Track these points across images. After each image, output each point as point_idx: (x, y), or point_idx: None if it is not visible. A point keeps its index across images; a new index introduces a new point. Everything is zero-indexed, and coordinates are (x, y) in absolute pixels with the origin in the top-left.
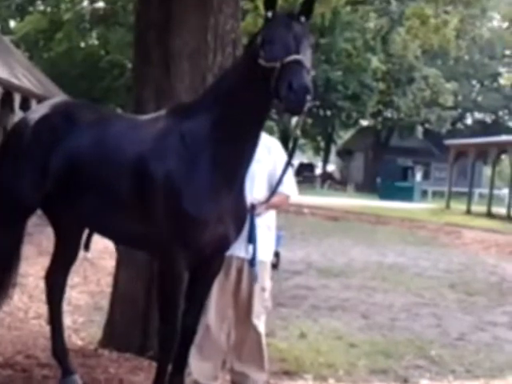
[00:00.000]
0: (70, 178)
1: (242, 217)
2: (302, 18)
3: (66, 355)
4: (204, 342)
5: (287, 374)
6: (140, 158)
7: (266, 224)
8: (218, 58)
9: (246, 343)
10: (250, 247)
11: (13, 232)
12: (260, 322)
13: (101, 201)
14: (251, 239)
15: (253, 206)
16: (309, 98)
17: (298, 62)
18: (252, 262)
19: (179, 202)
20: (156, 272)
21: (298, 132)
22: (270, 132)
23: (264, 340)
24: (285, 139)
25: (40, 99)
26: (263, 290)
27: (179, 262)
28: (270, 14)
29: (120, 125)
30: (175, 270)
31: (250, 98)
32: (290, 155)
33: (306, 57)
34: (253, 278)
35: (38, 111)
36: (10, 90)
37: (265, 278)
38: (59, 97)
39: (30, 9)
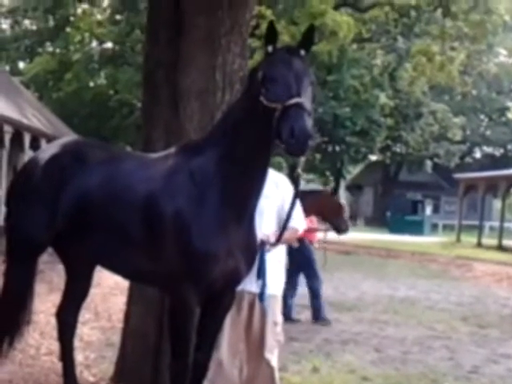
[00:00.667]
0: (80, 216)
1: (252, 251)
2: (302, 52)
3: None
4: (216, 378)
5: None
6: (149, 196)
7: (276, 258)
8: (226, 97)
9: (259, 378)
10: (259, 282)
11: (25, 270)
12: (273, 357)
13: (111, 238)
14: (260, 274)
15: (262, 242)
16: (310, 142)
17: (300, 106)
18: (261, 296)
19: (189, 238)
20: (167, 308)
21: (300, 171)
22: (279, 168)
23: (277, 374)
24: (293, 171)
25: (50, 138)
26: (275, 324)
27: (190, 297)
28: (270, 49)
29: (129, 163)
30: (186, 306)
31: (254, 134)
32: (296, 191)
33: (306, 98)
34: (263, 313)
35: (47, 151)
36: (20, 129)
37: (276, 312)
38: (69, 136)
39: (39, 50)
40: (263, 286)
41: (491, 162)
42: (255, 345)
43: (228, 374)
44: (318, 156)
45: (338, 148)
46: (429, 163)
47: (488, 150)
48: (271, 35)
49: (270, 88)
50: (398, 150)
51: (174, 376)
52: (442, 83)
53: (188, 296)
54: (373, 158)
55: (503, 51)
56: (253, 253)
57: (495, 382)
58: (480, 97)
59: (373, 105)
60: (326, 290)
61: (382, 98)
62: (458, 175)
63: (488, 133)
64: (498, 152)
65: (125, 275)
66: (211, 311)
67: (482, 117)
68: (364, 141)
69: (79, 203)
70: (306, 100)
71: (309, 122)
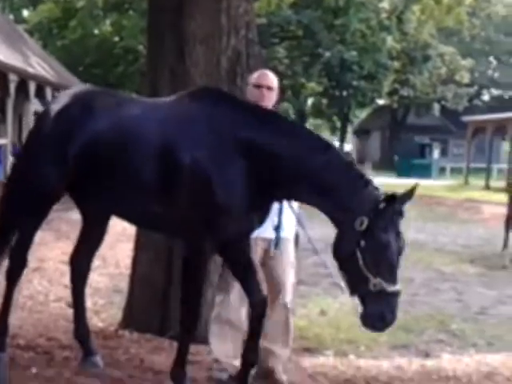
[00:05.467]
0: (92, 163)
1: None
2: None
3: (87, 337)
4: (222, 313)
5: (308, 350)
6: (166, 143)
7: (287, 203)
8: (231, 41)
9: (272, 319)
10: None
11: (37, 219)
12: (289, 299)
13: (123, 185)
14: (278, 223)
15: None
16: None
17: (398, 295)
18: (277, 245)
19: (210, 188)
20: (181, 254)
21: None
22: (286, 113)
23: (292, 317)
24: (300, 116)
25: (55, 87)
26: (292, 265)
27: (206, 245)
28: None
29: (142, 108)
30: (201, 253)
31: None
32: None
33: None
34: (277, 256)
35: (58, 101)
36: (25, 78)
37: (291, 255)
38: (80, 85)
39: None
40: (279, 234)
41: (499, 105)
42: (271, 287)
43: (236, 316)
44: (324, 101)
45: (345, 92)
46: (437, 106)
47: (496, 92)
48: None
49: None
50: (405, 93)
51: (185, 323)
52: (450, 26)
53: (204, 244)
54: (380, 102)
55: None
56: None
57: (503, 323)
58: (488, 39)
59: (380, 48)
60: (333, 234)
61: (389, 42)
62: (466, 118)
63: (496, 75)
64: (507, 94)
65: (136, 222)
66: (238, 258)
67: (491, 59)
68: (371, 85)
69: (92, 150)
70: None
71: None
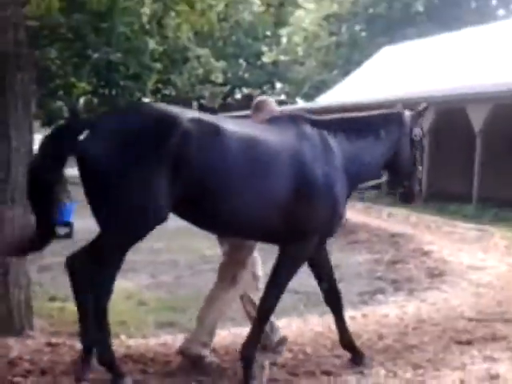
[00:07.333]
0: (210, 183)
1: None
2: None
3: None
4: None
5: None
6: (296, 162)
7: None
8: (0, 43)
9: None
10: None
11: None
12: None
13: (245, 204)
14: None
15: None
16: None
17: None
18: None
19: (334, 199)
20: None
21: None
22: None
23: None
24: (73, 115)
25: None
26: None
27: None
28: None
29: (258, 132)
30: (306, 255)
31: None
32: None
33: None
34: None
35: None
36: None
37: None
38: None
39: None
40: None
41: (249, 101)
42: None
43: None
44: (95, 100)
45: (114, 91)
46: (195, 104)
47: (247, 91)
48: None
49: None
50: (167, 92)
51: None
52: (204, 29)
53: (312, 246)
54: (146, 99)
55: (256, 1)
56: None
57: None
58: (239, 43)
59: (143, 51)
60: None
61: (152, 44)
62: (221, 114)
63: (246, 75)
64: (256, 93)
65: (250, 237)
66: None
67: (241, 61)
68: (137, 84)
69: (209, 172)
70: None
71: None
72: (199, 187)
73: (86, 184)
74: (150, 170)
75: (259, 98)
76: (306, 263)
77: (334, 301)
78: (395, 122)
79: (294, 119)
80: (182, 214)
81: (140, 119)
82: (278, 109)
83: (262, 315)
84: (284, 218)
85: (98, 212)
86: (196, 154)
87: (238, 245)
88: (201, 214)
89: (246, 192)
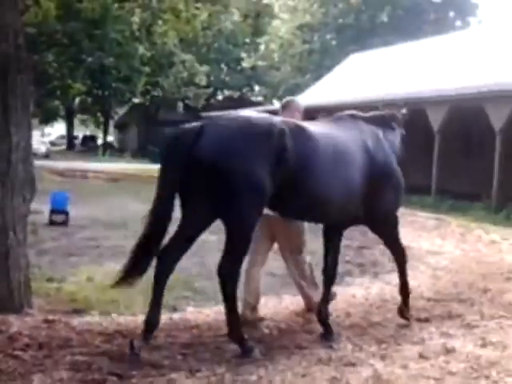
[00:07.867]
0: (297, 178)
1: None
2: None
3: None
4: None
5: (77, 312)
6: (370, 156)
7: None
8: (2, 46)
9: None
10: None
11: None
12: None
13: (338, 191)
14: None
15: None
16: None
17: None
18: None
19: (401, 185)
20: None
21: None
22: (55, 110)
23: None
24: (69, 113)
25: None
26: None
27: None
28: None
29: (334, 130)
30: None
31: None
32: None
33: None
34: None
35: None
36: None
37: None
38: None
39: None
40: None
41: (230, 103)
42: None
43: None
44: (89, 100)
45: (106, 92)
46: (181, 104)
47: (228, 93)
48: None
49: None
50: (156, 93)
51: None
52: (189, 36)
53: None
54: (136, 100)
55: (237, 11)
56: None
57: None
58: (221, 49)
59: (133, 55)
60: (98, 213)
61: (141, 50)
62: (204, 114)
63: (227, 79)
64: (236, 94)
65: (334, 220)
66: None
67: (223, 66)
68: (127, 86)
69: (299, 166)
70: None
71: None
72: (294, 177)
73: (204, 180)
74: (261, 163)
75: (287, 99)
76: (323, 236)
77: (330, 274)
78: (398, 120)
79: (353, 117)
80: (274, 204)
81: (243, 124)
82: (302, 107)
83: (401, 266)
84: (363, 201)
85: (224, 203)
86: (291, 148)
87: (296, 231)
88: (296, 200)
89: (333, 180)
